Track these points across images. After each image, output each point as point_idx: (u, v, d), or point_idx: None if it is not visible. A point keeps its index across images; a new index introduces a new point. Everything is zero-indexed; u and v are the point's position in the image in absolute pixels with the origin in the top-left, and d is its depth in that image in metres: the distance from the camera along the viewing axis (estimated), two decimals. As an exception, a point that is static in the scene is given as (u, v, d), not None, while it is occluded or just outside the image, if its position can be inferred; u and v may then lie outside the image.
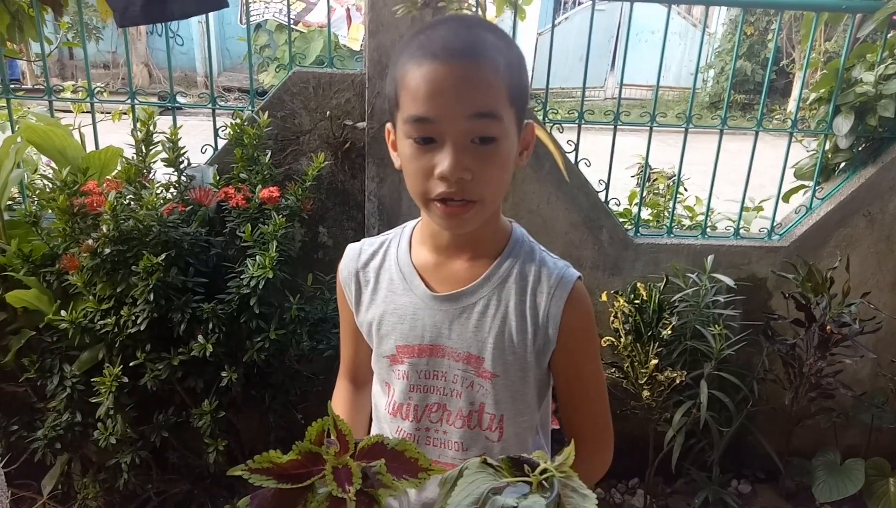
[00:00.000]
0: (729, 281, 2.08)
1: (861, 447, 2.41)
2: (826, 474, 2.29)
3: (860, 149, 2.34)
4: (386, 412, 1.04)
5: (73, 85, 2.29)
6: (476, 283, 0.95)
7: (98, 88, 2.08)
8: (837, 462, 2.33)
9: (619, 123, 2.22)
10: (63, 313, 1.65)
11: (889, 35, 2.22)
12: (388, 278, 1.00)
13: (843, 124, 2.23)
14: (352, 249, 1.05)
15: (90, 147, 2.03)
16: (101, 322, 1.65)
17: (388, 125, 0.94)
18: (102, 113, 2.17)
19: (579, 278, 0.96)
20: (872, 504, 2.23)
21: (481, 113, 0.81)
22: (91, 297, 1.66)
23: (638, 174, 3.32)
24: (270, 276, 1.63)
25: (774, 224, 2.39)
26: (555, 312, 0.93)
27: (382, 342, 1.00)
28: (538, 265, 0.96)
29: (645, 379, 1.99)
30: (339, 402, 1.14)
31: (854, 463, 2.29)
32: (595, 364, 1.01)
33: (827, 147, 2.36)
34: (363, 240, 1.06)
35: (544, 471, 0.70)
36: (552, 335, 0.94)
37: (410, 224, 1.04)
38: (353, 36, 7.64)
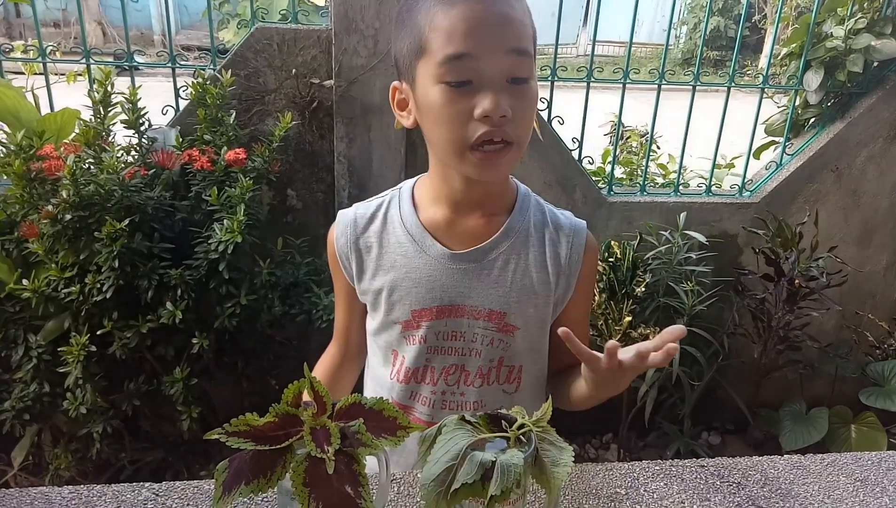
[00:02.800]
0: (701, 238, 2.10)
1: (825, 396, 2.49)
2: (792, 423, 2.37)
3: (829, 104, 2.35)
4: (394, 380, 1.00)
5: (23, 45, 2.18)
6: (494, 238, 0.94)
7: (50, 48, 1.98)
8: (803, 412, 2.40)
9: (593, 80, 2.19)
10: (25, 281, 1.60)
11: (860, -12, 2.21)
12: (394, 242, 0.96)
13: (813, 80, 2.24)
14: (345, 215, 1.00)
15: (45, 110, 1.95)
16: (66, 291, 1.60)
17: (395, 84, 0.90)
18: (55, 74, 2.07)
19: (586, 225, 0.99)
20: (835, 450, 2.31)
21: (518, 49, 0.81)
22: (53, 265, 1.60)
23: (611, 132, 3.31)
24: (239, 240, 1.60)
25: (745, 181, 2.41)
26: (576, 259, 0.96)
27: (394, 308, 0.96)
28: (550, 217, 0.98)
29: (619, 337, 2.01)
30: (323, 366, 1.11)
31: (818, 412, 2.36)
32: (590, 309, 1.06)
33: (797, 103, 2.37)
34: (354, 205, 1.01)
35: (522, 426, 0.70)
36: (572, 283, 0.97)
37: (408, 184, 1.00)
38: (318, -9, 7.43)
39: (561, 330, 0.78)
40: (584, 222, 0.99)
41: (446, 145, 0.85)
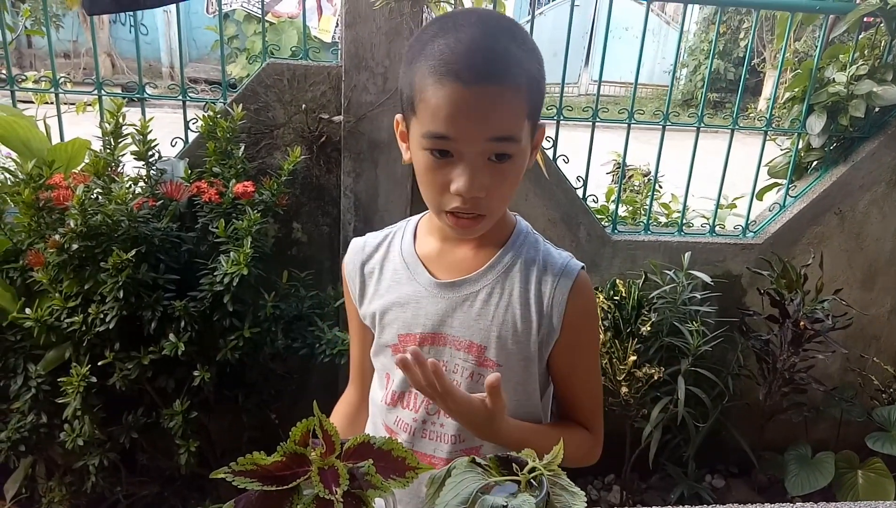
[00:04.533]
0: (706, 278, 2.09)
1: (831, 440, 2.46)
2: (798, 467, 2.33)
3: (832, 148, 2.37)
4: (383, 403, 1.03)
5: (35, 75, 2.20)
6: (480, 271, 0.95)
7: (62, 78, 2.01)
8: (808, 456, 2.37)
9: (598, 119, 2.22)
10: (27, 310, 1.59)
11: (860, 36, 2.25)
12: (391, 269, 1.00)
13: (816, 124, 2.26)
14: (356, 243, 1.05)
15: (55, 139, 1.96)
16: (68, 320, 1.59)
17: (398, 116, 0.93)
18: (66, 104, 2.10)
19: (583, 268, 0.97)
20: (842, 496, 2.27)
21: (500, 137, 0.81)
22: (57, 294, 1.60)
23: (614, 172, 3.34)
24: (245, 273, 1.59)
25: (749, 222, 2.41)
26: (559, 300, 0.93)
27: (385, 331, 0.99)
28: (542, 255, 0.96)
29: (623, 376, 2.00)
30: (340, 412, 1.12)
31: (824, 457, 2.33)
32: (596, 357, 1.03)
33: (800, 146, 2.39)
34: (367, 234, 1.06)
35: (532, 470, 0.69)
36: (556, 324, 0.94)
37: (416, 217, 1.04)
38: (324, 28, 7.55)
39: (489, 377, 0.81)
40: (581, 265, 0.97)
41: (427, 202, 0.90)
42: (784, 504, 0.95)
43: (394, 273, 0.99)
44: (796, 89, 2.36)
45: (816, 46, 2.30)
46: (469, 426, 0.89)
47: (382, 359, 1.03)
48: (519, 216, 1.01)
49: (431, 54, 0.81)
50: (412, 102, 0.84)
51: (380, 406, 1.04)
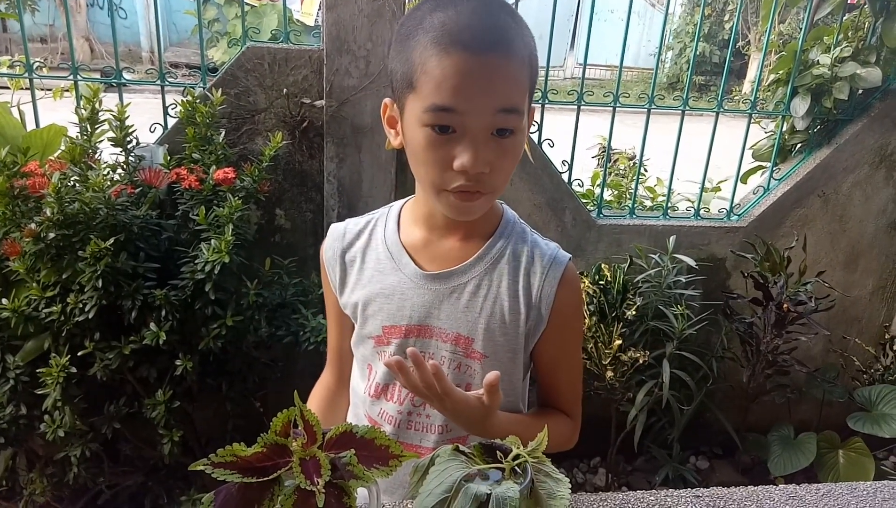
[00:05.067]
0: (690, 261, 2.10)
1: (813, 421, 2.49)
2: (780, 448, 2.36)
3: (816, 130, 2.38)
4: (366, 395, 1.01)
5: (9, 60, 2.15)
6: (468, 262, 0.93)
7: (37, 63, 1.96)
8: (791, 437, 2.39)
9: (583, 103, 2.21)
10: (4, 301, 1.56)
11: (844, 18, 2.25)
12: (374, 258, 0.97)
13: (801, 106, 2.27)
14: (336, 228, 1.02)
15: (30, 126, 1.92)
16: (46, 310, 1.56)
17: (387, 100, 0.90)
18: (42, 90, 2.05)
19: (570, 259, 0.96)
20: (823, 476, 2.31)
21: (506, 108, 0.80)
22: (35, 284, 1.57)
23: (599, 155, 3.33)
24: (226, 260, 1.57)
25: (733, 205, 2.42)
26: (548, 292, 0.93)
27: (367, 322, 0.97)
28: (530, 246, 0.95)
29: (609, 360, 2.00)
30: (318, 396, 1.11)
31: (806, 437, 2.36)
32: (579, 345, 1.03)
33: (784, 129, 2.39)
34: (347, 220, 1.03)
35: (517, 457, 0.68)
36: (544, 315, 0.94)
37: (398, 204, 1.01)
38: (307, 11, 7.44)
39: (488, 375, 0.79)
40: (568, 255, 0.96)
41: (425, 182, 0.86)
42: (769, 487, 0.95)
43: (377, 263, 0.97)
44: (781, 72, 2.36)
45: (801, 28, 2.29)
46: (462, 424, 0.88)
47: (363, 350, 1.01)
48: (506, 205, 1.00)
49: (432, 27, 0.78)
50: (409, 78, 0.81)
51: (362, 398, 1.03)
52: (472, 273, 0.93)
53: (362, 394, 1.02)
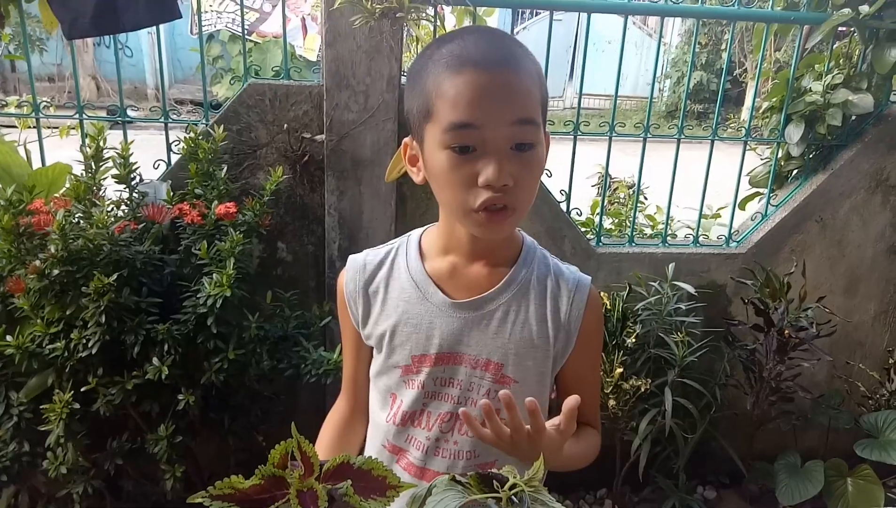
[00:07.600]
0: (690, 289, 2.10)
1: (819, 448, 2.46)
2: (788, 476, 2.33)
3: (811, 156, 2.40)
4: (390, 423, 1.01)
5: (17, 99, 2.20)
6: (496, 289, 0.95)
7: (44, 103, 2.00)
8: (798, 465, 2.37)
9: (580, 133, 2.23)
10: (9, 338, 1.58)
11: (835, 46, 2.29)
12: (398, 288, 0.99)
13: (795, 133, 2.29)
14: (355, 261, 1.03)
15: (36, 164, 1.95)
16: (50, 347, 1.57)
17: (406, 140, 0.93)
18: (49, 128, 2.09)
19: (592, 280, 1.00)
20: (832, 504, 2.27)
21: (523, 119, 0.83)
22: (39, 320, 1.58)
23: (598, 184, 3.36)
24: (228, 294, 1.59)
25: (732, 231, 2.43)
26: (576, 315, 0.96)
27: (395, 352, 0.98)
28: (554, 271, 0.99)
29: (611, 388, 2.00)
30: (332, 424, 1.11)
31: (814, 465, 2.33)
32: (599, 361, 1.07)
33: (780, 155, 2.41)
34: (365, 251, 1.04)
35: (513, 486, 0.69)
36: (573, 337, 0.97)
37: (416, 233, 1.03)
38: (309, 46, 7.58)
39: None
40: (589, 277, 1.00)
41: (452, 206, 0.88)
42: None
43: (401, 292, 0.98)
44: (774, 99, 2.39)
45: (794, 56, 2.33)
46: (531, 457, 0.84)
47: (387, 380, 1.02)
48: (523, 232, 1.03)
49: (441, 57, 0.83)
50: (426, 108, 0.84)
51: (384, 427, 1.02)
52: (501, 299, 0.95)
53: (384, 423, 1.02)
